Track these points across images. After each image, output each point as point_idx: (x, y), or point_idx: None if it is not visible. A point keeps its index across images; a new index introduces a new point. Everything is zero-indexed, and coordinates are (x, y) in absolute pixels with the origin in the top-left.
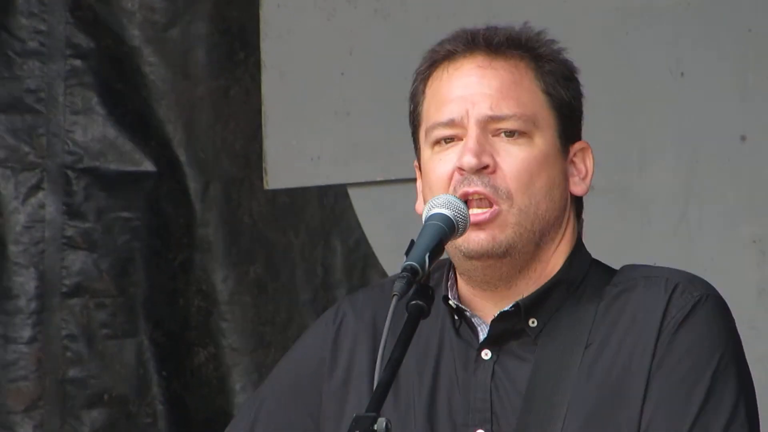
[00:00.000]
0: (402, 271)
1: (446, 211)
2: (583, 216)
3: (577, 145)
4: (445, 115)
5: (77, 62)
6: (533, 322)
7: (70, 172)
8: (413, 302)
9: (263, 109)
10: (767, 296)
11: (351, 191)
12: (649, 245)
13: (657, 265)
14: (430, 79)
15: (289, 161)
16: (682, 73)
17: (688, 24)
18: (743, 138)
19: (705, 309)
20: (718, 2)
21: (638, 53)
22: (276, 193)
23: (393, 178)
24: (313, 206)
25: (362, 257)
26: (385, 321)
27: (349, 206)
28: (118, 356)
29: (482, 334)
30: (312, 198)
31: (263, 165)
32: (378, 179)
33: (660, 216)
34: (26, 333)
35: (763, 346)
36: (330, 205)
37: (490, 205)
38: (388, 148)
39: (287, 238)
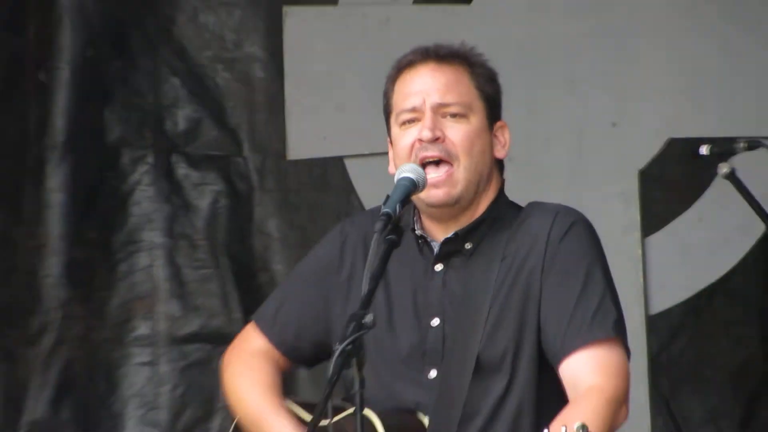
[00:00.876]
0: (381, 216)
1: (411, 175)
2: (505, 177)
3: (498, 124)
4: (409, 104)
5: (176, 80)
6: (468, 245)
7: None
8: (389, 237)
9: (286, 105)
10: (629, 230)
11: (346, 161)
12: (548, 197)
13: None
14: (398, 80)
15: (305, 140)
16: (572, 81)
17: (582, 45)
18: (614, 124)
19: (577, 229)
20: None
21: (546, 66)
22: (297, 162)
23: (376, 151)
24: (318, 171)
25: (354, 207)
26: (372, 239)
27: (345, 171)
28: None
29: (437, 251)
30: (317, 165)
31: (286, 143)
32: (364, 152)
33: (556, 177)
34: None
35: (628, 263)
36: (329, 170)
37: (444, 165)
38: (373, 130)
39: (308, 196)
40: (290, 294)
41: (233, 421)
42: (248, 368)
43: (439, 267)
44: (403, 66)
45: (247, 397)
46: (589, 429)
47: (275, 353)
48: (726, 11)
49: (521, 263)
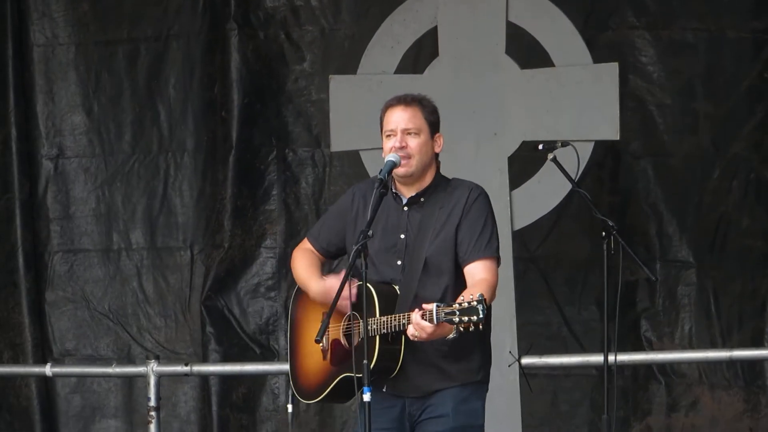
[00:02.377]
0: (377, 180)
1: (393, 159)
2: (440, 161)
3: (437, 135)
4: (390, 127)
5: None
6: (422, 199)
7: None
8: (381, 191)
9: (331, 115)
10: (503, 186)
11: (362, 152)
12: (462, 172)
13: (465, 179)
14: (385, 112)
15: (340, 137)
16: (474, 111)
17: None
18: (495, 134)
19: (482, 195)
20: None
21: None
22: (335, 153)
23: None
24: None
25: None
26: (370, 196)
27: (361, 160)
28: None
29: (404, 202)
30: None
31: (331, 140)
32: (371, 147)
33: (482, 168)
34: None
35: (503, 205)
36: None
37: (407, 158)
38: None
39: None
40: (326, 222)
41: (296, 287)
42: (302, 257)
43: (405, 209)
44: (388, 105)
45: (300, 272)
46: (484, 297)
47: (316, 253)
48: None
49: (451, 210)
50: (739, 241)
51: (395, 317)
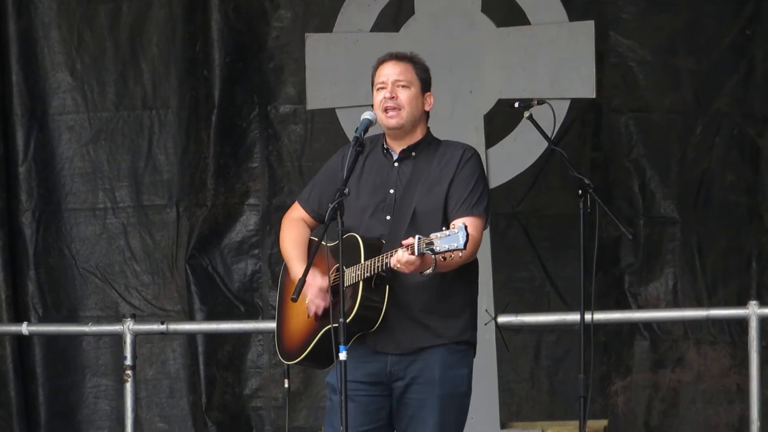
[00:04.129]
0: (354, 139)
1: (369, 117)
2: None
3: (427, 93)
4: (380, 80)
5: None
6: (413, 153)
7: None
8: (357, 149)
9: (306, 73)
10: (480, 144)
11: (338, 110)
12: (444, 131)
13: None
14: (377, 67)
15: (316, 96)
16: (450, 69)
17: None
18: (471, 91)
19: (475, 156)
20: None
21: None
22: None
23: (353, 104)
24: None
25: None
26: (349, 155)
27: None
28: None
29: (395, 157)
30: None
31: (307, 98)
32: (347, 105)
33: (457, 126)
34: None
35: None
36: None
37: (395, 110)
38: (358, 89)
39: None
40: (315, 184)
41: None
42: (291, 229)
43: (396, 164)
44: (379, 61)
45: (287, 248)
46: (465, 225)
47: (307, 217)
48: None
49: (443, 166)
50: (722, 196)
51: (378, 258)
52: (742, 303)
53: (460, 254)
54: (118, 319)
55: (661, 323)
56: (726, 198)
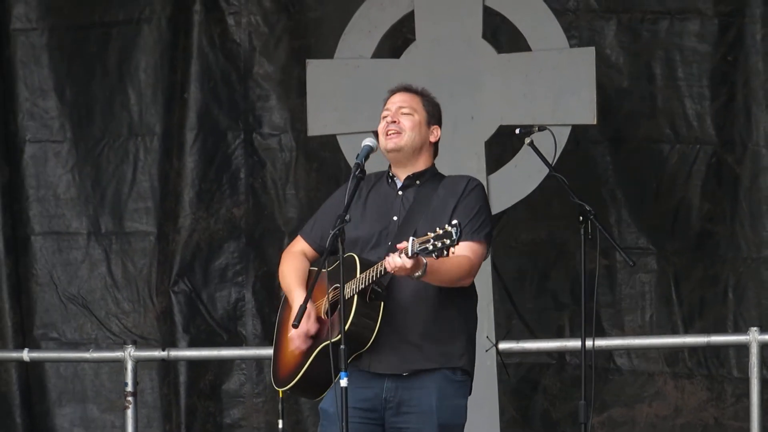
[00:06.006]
0: (355, 165)
1: (370, 143)
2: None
3: (434, 126)
4: (386, 106)
5: None
6: (418, 182)
7: None
8: (358, 176)
9: (308, 99)
10: (480, 171)
11: (339, 137)
12: (440, 160)
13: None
14: (387, 99)
15: (317, 122)
16: (451, 95)
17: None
18: (472, 117)
19: (479, 186)
20: None
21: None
22: (313, 137)
23: (354, 131)
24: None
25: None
26: (365, 188)
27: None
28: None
29: (399, 185)
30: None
31: (308, 124)
32: (348, 131)
33: (458, 152)
34: None
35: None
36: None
37: (399, 133)
38: (360, 116)
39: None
40: (318, 217)
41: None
42: (290, 261)
43: (400, 192)
44: (390, 92)
45: (286, 277)
46: (458, 222)
47: (308, 249)
48: None
49: (447, 194)
50: (699, 225)
51: (373, 268)
52: (722, 332)
53: (453, 250)
54: (98, 346)
55: (636, 356)
56: (702, 227)
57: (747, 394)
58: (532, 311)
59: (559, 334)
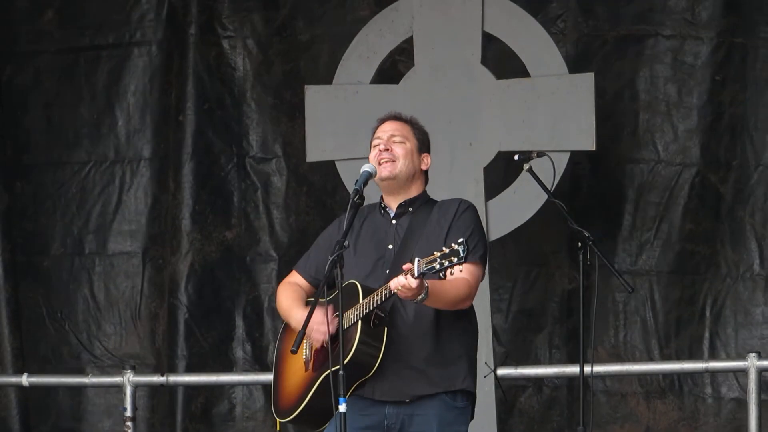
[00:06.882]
0: (354, 191)
1: (369, 169)
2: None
3: (425, 154)
4: (377, 135)
5: None
6: (410, 209)
7: None
8: (357, 201)
9: (306, 125)
10: (479, 196)
11: (338, 163)
12: (439, 183)
13: (442, 189)
14: (377, 127)
15: (316, 147)
16: (450, 121)
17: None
18: (470, 144)
19: (472, 207)
20: None
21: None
22: (311, 163)
23: (353, 157)
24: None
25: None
26: (359, 220)
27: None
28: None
29: (392, 214)
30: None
31: (306, 150)
32: (346, 157)
33: (457, 178)
34: None
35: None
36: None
37: (393, 162)
38: (359, 142)
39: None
40: (313, 250)
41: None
42: (286, 289)
43: (394, 221)
44: (379, 120)
45: (283, 303)
46: (464, 240)
47: (304, 282)
48: None
49: (440, 218)
50: (680, 245)
51: (377, 291)
52: (693, 355)
53: (460, 269)
54: (80, 369)
55: (609, 378)
56: (683, 247)
57: (719, 413)
58: (508, 332)
59: (535, 357)
